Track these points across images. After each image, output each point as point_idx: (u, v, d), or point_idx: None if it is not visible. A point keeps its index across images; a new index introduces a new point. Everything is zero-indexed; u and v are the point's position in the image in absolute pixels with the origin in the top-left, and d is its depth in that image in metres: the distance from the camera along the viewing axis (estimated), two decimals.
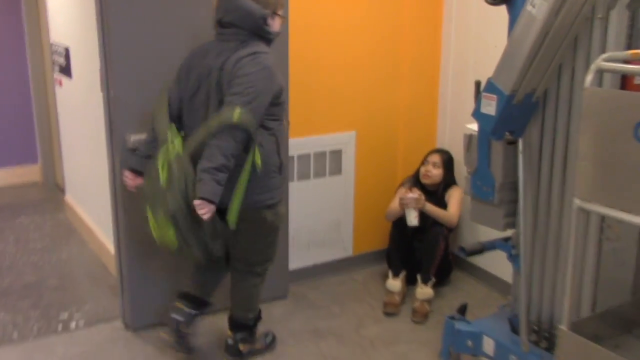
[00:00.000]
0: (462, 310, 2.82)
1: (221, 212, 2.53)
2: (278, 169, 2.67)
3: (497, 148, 2.47)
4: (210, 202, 2.40)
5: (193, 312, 2.85)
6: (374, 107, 3.74)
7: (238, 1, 2.48)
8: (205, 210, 2.40)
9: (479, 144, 2.53)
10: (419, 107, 3.87)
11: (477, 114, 2.41)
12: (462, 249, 2.68)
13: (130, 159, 2.75)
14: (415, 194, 3.39)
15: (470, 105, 3.75)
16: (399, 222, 3.56)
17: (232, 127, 2.38)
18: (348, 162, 3.73)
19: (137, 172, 2.71)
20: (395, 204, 3.56)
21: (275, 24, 2.59)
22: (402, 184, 3.71)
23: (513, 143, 2.46)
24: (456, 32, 3.75)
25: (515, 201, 2.52)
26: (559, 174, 2.37)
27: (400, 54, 3.73)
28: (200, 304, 2.89)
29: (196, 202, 2.39)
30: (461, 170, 3.74)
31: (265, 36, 2.55)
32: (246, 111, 2.39)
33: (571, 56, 2.25)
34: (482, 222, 2.62)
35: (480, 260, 3.71)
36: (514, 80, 2.23)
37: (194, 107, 2.58)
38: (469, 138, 2.59)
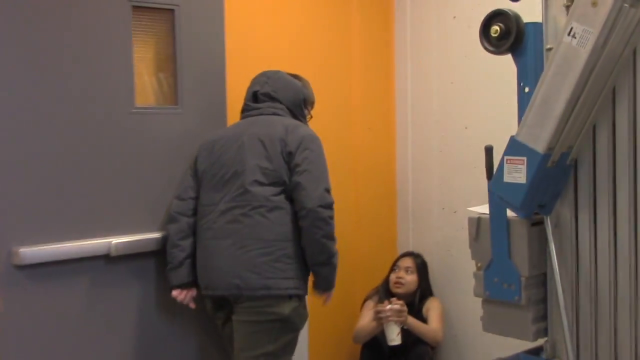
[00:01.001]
0: None
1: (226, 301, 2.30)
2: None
3: (520, 231, 1.97)
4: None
5: None
6: None
7: (283, 74, 2.45)
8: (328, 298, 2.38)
9: (493, 229, 2.02)
10: (375, 206, 3.41)
11: (497, 187, 1.89)
12: None
13: (174, 275, 2.34)
14: (397, 304, 2.74)
15: (435, 197, 3.34)
16: (373, 343, 2.93)
17: (322, 210, 2.23)
18: None
19: (185, 286, 2.36)
20: (366, 321, 2.91)
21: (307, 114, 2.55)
22: (368, 297, 3.08)
23: (538, 224, 1.96)
24: (412, 125, 3.41)
25: (546, 300, 2.00)
26: (606, 260, 1.86)
27: (352, 149, 3.33)
28: None
29: (323, 295, 2.35)
30: (435, 276, 3.19)
31: (299, 115, 2.44)
32: (324, 188, 2.27)
33: (609, 111, 1.83)
34: (504, 331, 2.07)
35: None
36: (551, 135, 1.77)
37: (219, 177, 2.34)
38: (476, 222, 2.08)
